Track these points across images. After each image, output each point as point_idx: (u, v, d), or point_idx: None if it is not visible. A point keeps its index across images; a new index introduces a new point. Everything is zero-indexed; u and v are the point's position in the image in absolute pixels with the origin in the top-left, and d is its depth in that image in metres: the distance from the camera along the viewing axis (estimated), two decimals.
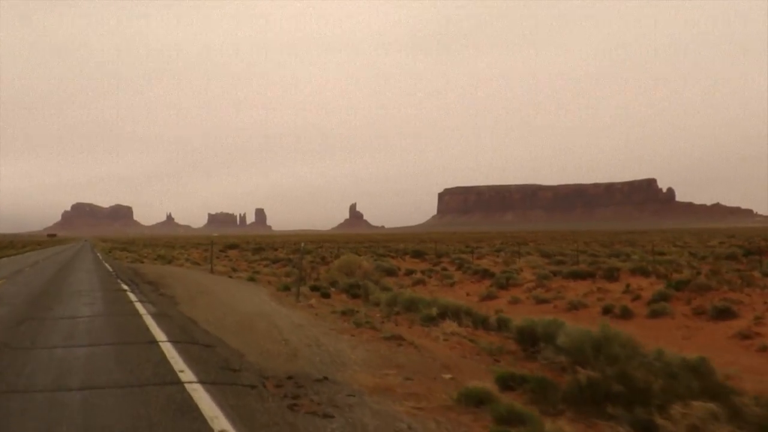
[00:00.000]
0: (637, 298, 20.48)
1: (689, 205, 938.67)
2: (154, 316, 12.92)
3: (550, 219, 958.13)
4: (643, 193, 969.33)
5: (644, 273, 24.32)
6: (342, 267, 24.76)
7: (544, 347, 8.56)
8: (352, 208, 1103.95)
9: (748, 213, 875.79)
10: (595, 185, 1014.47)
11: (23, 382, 7.24)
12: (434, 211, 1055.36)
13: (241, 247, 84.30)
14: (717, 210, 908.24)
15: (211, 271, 31.55)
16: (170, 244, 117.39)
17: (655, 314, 18.20)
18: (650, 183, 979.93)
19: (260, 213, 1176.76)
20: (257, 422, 5.74)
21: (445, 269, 36.58)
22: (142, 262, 44.30)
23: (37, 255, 61.74)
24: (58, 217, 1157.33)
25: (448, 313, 12.84)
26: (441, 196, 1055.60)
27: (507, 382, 6.93)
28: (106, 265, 37.66)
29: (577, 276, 26.37)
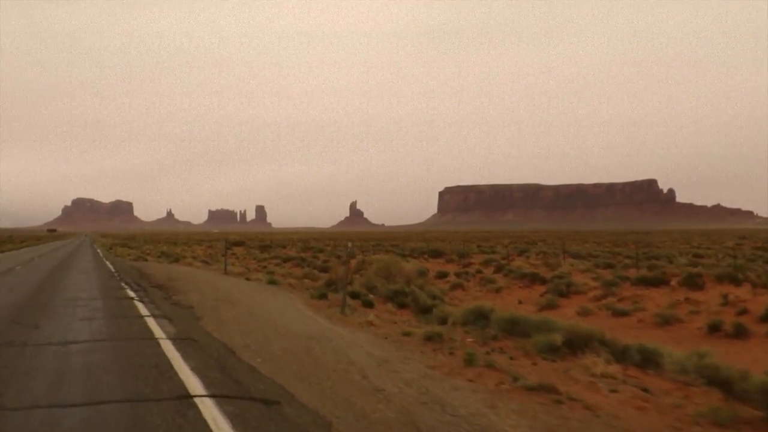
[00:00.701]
0: (743, 312, 17.09)
1: (690, 206, 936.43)
2: (176, 340, 9.51)
3: (550, 219, 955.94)
4: (644, 194, 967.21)
5: (733, 280, 20.89)
6: (380, 270, 21.34)
7: None
8: (353, 206, 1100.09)
9: (749, 214, 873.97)
10: (596, 185, 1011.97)
11: None
12: (434, 210, 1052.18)
13: (247, 245, 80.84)
14: (717, 211, 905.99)
15: (225, 272, 28.12)
16: (172, 241, 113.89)
17: None
18: (651, 183, 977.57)
19: (260, 210, 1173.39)
20: None
21: (479, 271, 33.18)
22: (146, 260, 40.86)
23: (34, 251, 58.29)
24: (59, 213, 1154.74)
25: (574, 339, 9.43)
26: (441, 194, 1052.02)
27: None
28: (107, 263, 34.22)
29: (648, 283, 22.96)
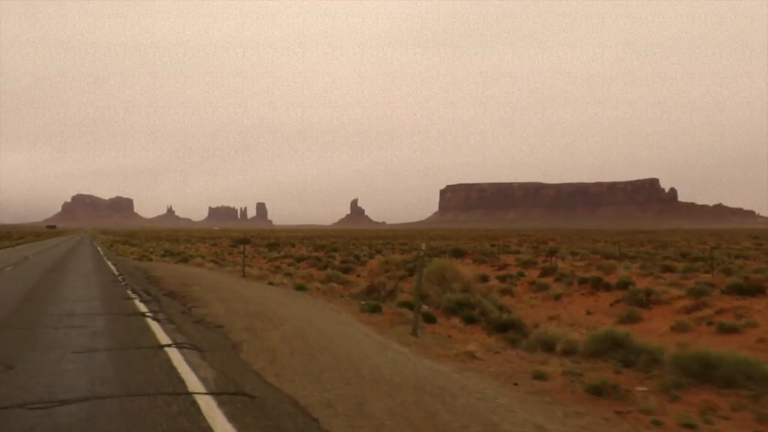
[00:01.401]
0: None
1: (692, 206, 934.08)
2: (220, 398, 6.17)
3: (552, 217, 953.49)
4: (646, 193, 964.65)
5: None
6: (432, 275, 18.01)
7: None
8: (354, 203, 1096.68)
9: (751, 214, 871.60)
10: (598, 184, 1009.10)
11: None
12: (435, 208, 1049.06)
13: (253, 243, 77.44)
14: (719, 211, 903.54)
15: (243, 275, 24.82)
16: (173, 238, 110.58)
17: None
18: (653, 183, 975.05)
19: (261, 207, 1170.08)
20: None
21: (521, 274, 29.89)
22: (151, 260, 37.56)
23: (30, 249, 54.95)
24: (59, 209, 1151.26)
25: None
26: (443, 192, 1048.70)
27: None
28: (109, 263, 30.88)
29: (743, 291, 19.64)
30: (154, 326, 10.50)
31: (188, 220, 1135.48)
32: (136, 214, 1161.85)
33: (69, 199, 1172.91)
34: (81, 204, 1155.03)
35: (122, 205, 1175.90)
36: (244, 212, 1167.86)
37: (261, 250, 62.00)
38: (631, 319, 18.31)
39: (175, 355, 8.11)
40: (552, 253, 47.73)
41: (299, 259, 47.17)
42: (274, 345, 9.52)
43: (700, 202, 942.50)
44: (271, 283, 22.06)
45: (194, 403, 5.90)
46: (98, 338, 9.38)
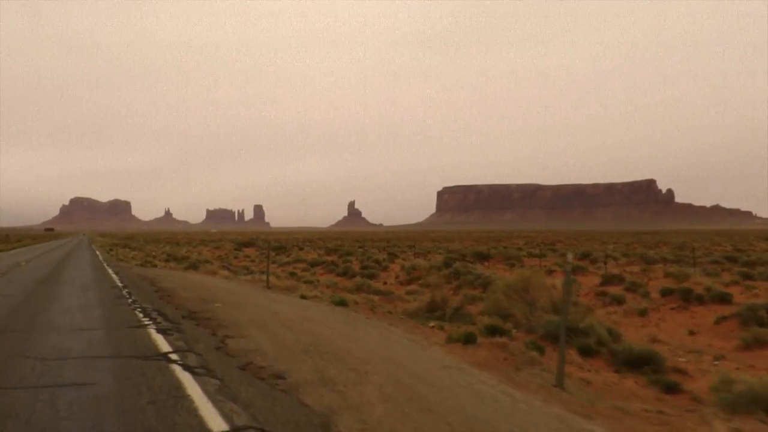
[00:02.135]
0: None
1: (689, 207, 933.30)
2: None
3: (549, 219, 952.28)
4: (643, 194, 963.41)
5: None
6: (514, 290, 14.43)
7: None
8: (351, 205, 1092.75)
9: (748, 215, 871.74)
10: (595, 185, 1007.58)
11: None
12: (433, 210, 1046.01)
13: (258, 246, 73.68)
14: (716, 211, 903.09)
15: (268, 286, 21.25)
16: (173, 241, 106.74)
17: None
18: (650, 184, 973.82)
19: (258, 209, 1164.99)
20: None
21: (573, 281, 26.36)
22: (155, 265, 33.91)
23: (25, 253, 51.12)
24: (57, 211, 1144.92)
25: None
26: (440, 194, 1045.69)
27: None
28: (110, 271, 27.22)
29: None
30: (188, 383, 6.90)
31: (186, 223, 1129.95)
32: (133, 217, 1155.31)
33: (67, 202, 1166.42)
34: (79, 207, 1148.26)
35: (120, 207, 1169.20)
36: (241, 214, 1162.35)
37: (266, 253, 58.18)
38: (759, 342, 14.79)
39: None
40: (585, 256, 44.21)
41: (313, 264, 43.55)
42: (380, 416, 5.99)
43: (697, 203, 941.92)
44: (303, 297, 18.51)
45: None
46: (103, 410, 5.78)
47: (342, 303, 17.02)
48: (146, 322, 11.55)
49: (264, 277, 25.40)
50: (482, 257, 47.75)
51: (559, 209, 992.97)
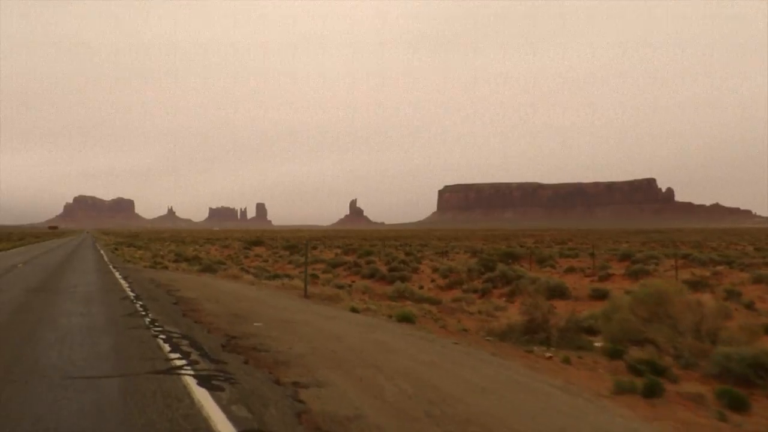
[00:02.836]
0: None
1: (689, 205, 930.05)
2: None
3: (549, 217, 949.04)
4: (643, 193, 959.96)
5: None
6: (644, 307, 11.42)
7: None
8: (353, 204, 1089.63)
9: (747, 214, 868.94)
10: (595, 184, 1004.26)
11: None
12: (434, 208, 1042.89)
13: (268, 245, 70.68)
14: (716, 210, 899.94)
15: (306, 296, 18.31)
16: (177, 239, 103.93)
17: None
18: (650, 183, 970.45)
19: (261, 208, 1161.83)
20: None
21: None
22: (166, 267, 30.95)
23: (25, 254, 48.15)
24: (60, 210, 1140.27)
25: None
26: (441, 193, 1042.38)
27: None
28: (117, 275, 24.25)
29: None
30: None
31: (189, 221, 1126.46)
32: (137, 215, 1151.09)
33: (70, 200, 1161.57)
34: (82, 205, 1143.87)
35: (123, 206, 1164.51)
36: (243, 213, 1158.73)
37: (281, 253, 55.24)
38: None
39: None
40: (626, 257, 41.26)
41: (333, 265, 40.59)
42: None
43: (697, 201, 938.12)
44: (354, 310, 15.59)
45: None
46: None
47: (407, 319, 14.12)
48: (177, 361, 8.44)
49: (295, 282, 22.53)
50: (512, 258, 44.75)
51: (559, 208, 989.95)
